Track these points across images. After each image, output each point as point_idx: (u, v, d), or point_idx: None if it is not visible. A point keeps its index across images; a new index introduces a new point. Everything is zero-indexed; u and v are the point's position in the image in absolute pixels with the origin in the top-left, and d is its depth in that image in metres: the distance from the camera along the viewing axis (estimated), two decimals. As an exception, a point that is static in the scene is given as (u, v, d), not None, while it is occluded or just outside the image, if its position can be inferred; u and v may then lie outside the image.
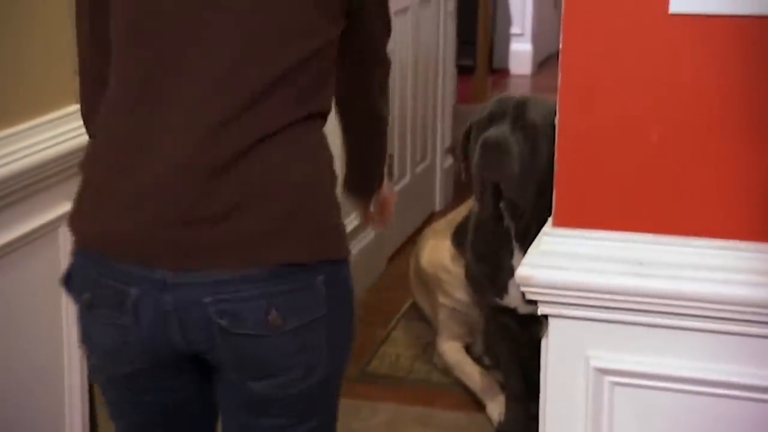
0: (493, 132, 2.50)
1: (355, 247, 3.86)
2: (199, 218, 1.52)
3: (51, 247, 2.14)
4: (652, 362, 1.52)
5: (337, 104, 1.80)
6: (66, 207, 2.15)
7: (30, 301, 2.11)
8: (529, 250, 1.59)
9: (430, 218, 4.68)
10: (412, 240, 4.40)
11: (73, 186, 2.17)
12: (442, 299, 3.40)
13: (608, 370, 1.54)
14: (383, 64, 1.81)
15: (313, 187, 1.57)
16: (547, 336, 1.58)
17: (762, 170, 1.48)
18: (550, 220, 1.59)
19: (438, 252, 3.40)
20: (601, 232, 1.54)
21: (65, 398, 2.23)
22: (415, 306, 3.68)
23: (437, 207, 4.81)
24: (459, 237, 3.20)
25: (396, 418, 3.02)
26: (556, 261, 1.54)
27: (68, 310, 2.15)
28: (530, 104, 2.55)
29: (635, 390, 1.53)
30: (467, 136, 2.66)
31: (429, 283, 3.46)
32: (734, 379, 1.48)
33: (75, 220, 1.65)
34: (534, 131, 2.50)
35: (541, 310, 1.56)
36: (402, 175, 4.38)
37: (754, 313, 1.45)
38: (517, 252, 2.66)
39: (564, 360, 1.56)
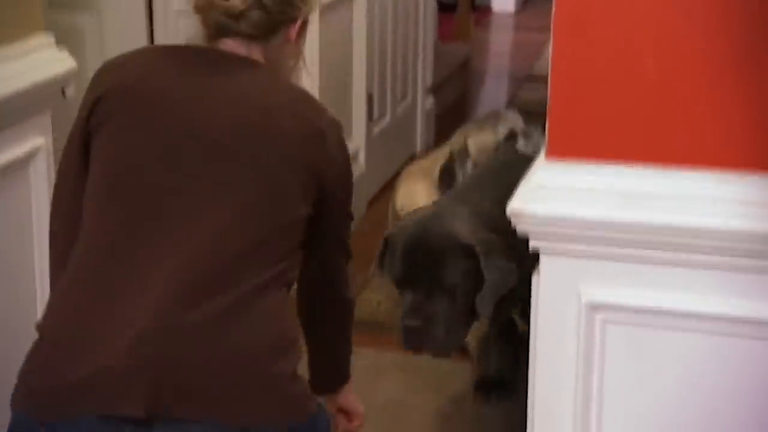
0: (410, 312, 2.31)
1: (334, 190, 3.85)
2: (173, 368, 1.56)
3: (22, 184, 2.13)
4: (646, 297, 1.53)
5: (302, 292, 1.90)
6: (37, 141, 2.16)
7: (0, 239, 2.10)
8: (521, 184, 1.60)
9: (411, 160, 4.68)
10: (393, 183, 4.40)
11: (45, 120, 2.18)
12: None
13: (600, 305, 1.56)
14: (346, 252, 1.91)
15: (279, 354, 1.62)
16: (538, 272, 1.59)
17: (759, 100, 1.48)
18: (542, 152, 1.60)
19: (412, 197, 3.40)
20: (595, 163, 1.55)
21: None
22: (396, 250, 3.69)
23: (418, 148, 4.81)
24: (448, 176, 3.20)
25: (377, 364, 3.05)
26: (548, 194, 1.55)
27: (40, 245, 2.15)
28: (440, 260, 2.32)
29: (627, 326, 1.55)
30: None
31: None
32: (728, 312, 1.50)
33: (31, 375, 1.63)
34: (452, 288, 2.31)
35: (533, 245, 1.57)
36: (382, 115, 4.37)
37: (749, 245, 1.46)
38: None
39: (555, 296, 1.58)
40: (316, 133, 1.71)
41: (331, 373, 2.00)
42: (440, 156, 3.36)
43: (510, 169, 2.51)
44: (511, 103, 5.66)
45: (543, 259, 1.57)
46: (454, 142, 3.28)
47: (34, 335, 2.23)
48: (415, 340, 2.32)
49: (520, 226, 1.56)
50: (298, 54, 1.85)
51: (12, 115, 2.08)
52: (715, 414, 1.54)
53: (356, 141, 4.09)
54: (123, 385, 1.55)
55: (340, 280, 1.91)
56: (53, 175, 2.18)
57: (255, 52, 1.76)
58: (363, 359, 3.03)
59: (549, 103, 1.55)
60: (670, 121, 1.52)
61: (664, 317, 1.53)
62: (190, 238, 1.61)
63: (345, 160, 1.82)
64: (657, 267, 1.53)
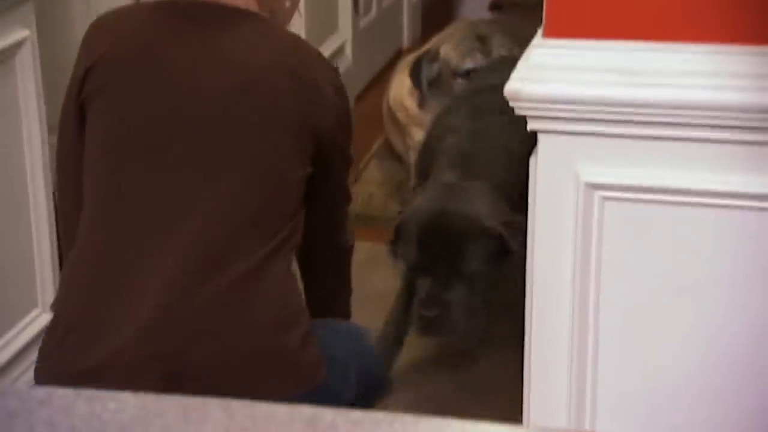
0: (427, 301, 2.24)
1: (322, 85, 3.84)
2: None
3: (8, 75, 2.12)
4: (645, 175, 1.55)
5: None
6: (22, 33, 2.14)
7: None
8: (518, 64, 1.60)
9: (398, 55, 4.66)
10: (380, 78, 4.38)
11: (28, 11, 2.16)
12: (408, 140, 3.42)
13: (599, 184, 1.57)
14: (346, 197, 1.93)
15: (283, 327, 1.65)
16: (536, 153, 1.60)
17: (760, -26, 1.48)
18: (539, 31, 1.60)
19: (401, 88, 3.38)
20: (593, 41, 1.55)
21: (32, 225, 2.25)
22: (387, 144, 3.70)
23: (405, 43, 4.78)
24: (416, 72, 3.18)
25: (371, 257, 3.08)
26: (545, 73, 1.55)
27: (29, 137, 2.15)
28: (460, 246, 2.24)
29: (626, 204, 1.57)
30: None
31: (397, 122, 3.47)
32: (727, 187, 1.52)
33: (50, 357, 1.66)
34: (471, 277, 2.25)
35: (530, 125, 1.58)
36: (368, 10, 4.33)
37: (748, 119, 1.47)
38: None
39: (553, 177, 1.59)
40: (311, 87, 1.72)
41: (331, 316, 2.00)
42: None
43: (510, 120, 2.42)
44: (499, -5, 5.61)
45: (541, 139, 1.58)
46: (434, 42, 3.25)
47: (26, 232, 2.26)
48: (433, 330, 2.24)
49: (518, 108, 1.57)
50: None
51: (-6, 5, 2.06)
52: (713, 286, 1.57)
53: (343, 35, 4.06)
54: (136, 369, 1.59)
55: (339, 227, 1.93)
56: (39, 68, 2.17)
57: None
58: (357, 252, 3.05)
59: (547, -21, 1.55)
60: (668, -3, 1.52)
61: (662, 194, 1.55)
62: (188, 218, 1.63)
63: (343, 107, 1.81)
64: (655, 144, 1.54)
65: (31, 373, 2.27)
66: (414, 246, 2.20)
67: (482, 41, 3.06)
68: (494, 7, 5.48)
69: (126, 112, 1.66)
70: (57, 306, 1.70)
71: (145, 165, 1.64)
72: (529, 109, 1.56)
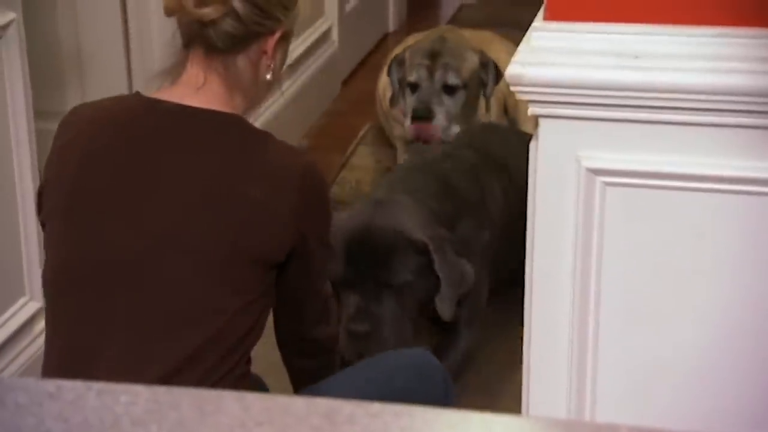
0: (356, 315, 2.20)
1: (307, 71, 3.82)
2: None
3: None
4: (647, 160, 1.54)
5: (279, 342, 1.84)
6: (7, 16, 2.11)
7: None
8: (519, 47, 1.58)
9: (384, 39, 4.64)
10: (365, 63, 4.36)
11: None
12: (387, 128, 3.41)
13: (601, 170, 1.56)
14: (323, 308, 1.81)
15: None
16: (536, 138, 1.59)
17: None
18: (540, 14, 1.58)
19: (386, 78, 3.37)
20: (595, 24, 1.53)
21: (18, 212, 2.24)
22: (373, 130, 3.68)
23: (390, 27, 4.75)
24: (390, 71, 3.18)
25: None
26: (547, 57, 1.53)
27: (15, 120, 2.13)
28: (387, 258, 2.23)
29: (628, 189, 1.56)
30: None
31: (382, 109, 3.46)
32: (729, 172, 1.51)
33: None
34: (401, 288, 2.24)
35: (531, 110, 1.57)
36: (353, -7, 4.30)
37: (750, 103, 1.46)
38: None
39: (555, 162, 1.58)
40: (285, 198, 1.65)
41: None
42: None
43: (449, 160, 2.47)
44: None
45: (542, 124, 1.57)
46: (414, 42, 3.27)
47: (12, 218, 2.23)
48: (361, 347, 2.18)
49: (520, 92, 1.55)
50: (274, 69, 1.74)
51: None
52: (714, 272, 1.56)
53: (329, 19, 4.03)
54: None
55: (317, 335, 1.84)
56: (25, 51, 2.14)
57: (225, 69, 1.69)
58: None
59: (548, -39, 1.53)
60: (672, -21, 1.50)
61: (664, 179, 1.54)
62: (123, 344, 1.61)
63: (318, 213, 1.72)
64: (657, 129, 1.53)
65: (19, 362, 2.26)
66: (341, 259, 2.18)
67: (432, 58, 3.13)
68: (479, -9, 5.45)
69: (70, 253, 1.64)
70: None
71: (89, 300, 1.63)
72: (530, 93, 1.55)
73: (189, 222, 1.61)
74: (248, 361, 1.71)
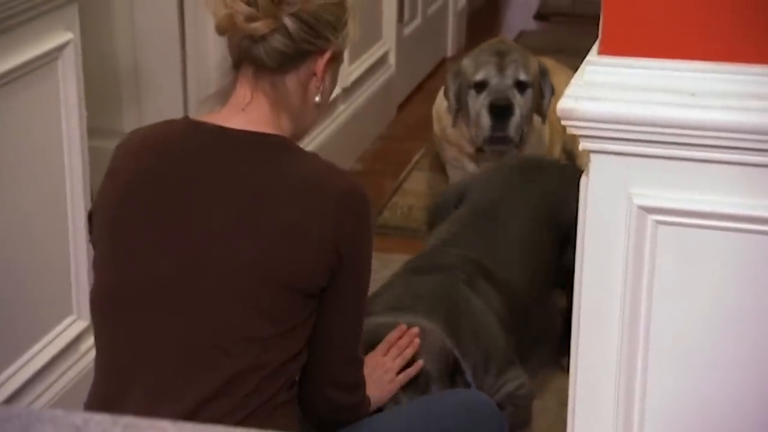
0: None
1: (364, 95, 3.83)
2: None
3: (50, 77, 2.11)
4: (701, 199, 1.51)
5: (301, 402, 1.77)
6: (65, 36, 2.14)
7: (30, 133, 2.10)
8: (572, 81, 1.57)
9: (442, 63, 4.64)
10: (422, 87, 4.36)
11: (72, 13, 2.15)
12: (441, 153, 3.39)
13: (653, 208, 1.53)
14: (351, 364, 1.75)
15: None
16: (587, 174, 1.57)
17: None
18: (595, 48, 1.56)
19: (442, 100, 3.35)
20: (651, 60, 1.51)
21: (68, 230, 2.25)
22: (428, 155, 3.67)
23: (449, 52, 4.76)
24: (447, 91, 3.14)
25: (409, 270, 3.04)
26: (600, 92, 1.51)
27: (69, 139, 2.15)
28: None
29: (681, 229, 1.53)
30: None
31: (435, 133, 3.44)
32: (788, 216, 1.47)
33: None
34: (426, 381, 2.15)
35: (583, 145, 1.55)
36: (413, 17, 4.31)
37: (812, 147, 1.43)
38: None
39: (605, 199, 1.55)
40: (320, 218, 1.61)
41: None
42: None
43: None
44: (545, 4, 5.57)
45: (594, 159, 1.55)
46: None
47: (63, 236, 2.25)
48: None
49: (571, 127, 1.53)
50: (323, 91, 1.72)
51: (37, 7, 2.06)
52: (764, 314, 1.52)
53: (387, 43, 4.04)
54: None
55: (342, 397, 1.77)
56: (81, 71, 2.16)
57: (273, 89, 1.68)
58: (395, 265, 3.04)
59: (604, -5, 1.51)
60: (731, 15, 1.48)
61: (718, 220, 1.51)
62: (162, 368, 1.61)
63: (358, 235, 1.67)
64: (712, 168, 1.50)
65: (67, 378, 2.27)
66: None
67: (499, 56, 3.04)
68: (539, 17, 5.45)
69: (118, 264, 1.65)
70: None
71: (135, 320, 1.63)
72: (583, 128, 1.53)
73: (223, 246, 1.61)
74: (291, 387, 1.69)
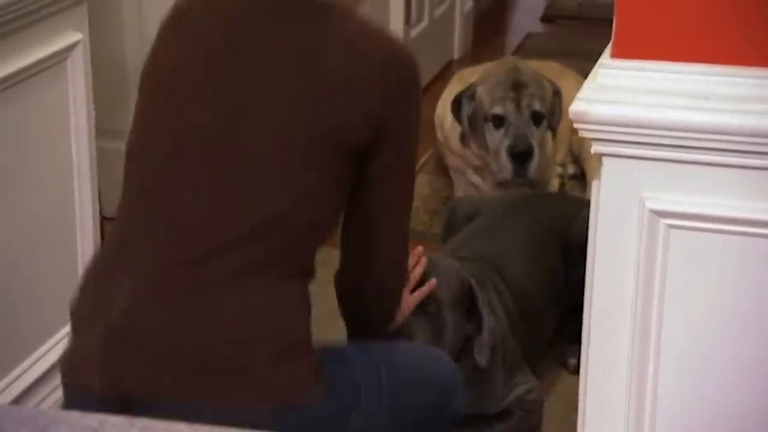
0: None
1: (370, 96, 3.82)
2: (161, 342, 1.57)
3: (59, 77, 2.12)
4: (714, 203, 1.50)
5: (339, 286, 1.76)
6: (74, 36, 2.14)
7: (39, 133, 2.10)
8: (585, 84, 1.56)
9: (449, 66, 4.63)
10: (429, 89, 4.35)
11: (81, 14, 2.16)
12: (444, 159, 3.38)
13: (665, 212, 1.53)
14: (400, 245, 1.72)
15: (252, 340, 1.57)
16: (599, 177, 1.56)
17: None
18: (607, 51, 1.56)
19: (445, 106, 3.34)
20: (664, 63, 1.51)
21: (77, 227, 2.25)
22: (434, 157, 3.67)
23: (456, 54, 4.75)
24: (457, 108, 3.15)
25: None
26: (613, 95, 1.51)
27: (77, 140, 2.15)
28: (428, 272, 2.15)
29: (693, 233, 1.53)
30: None
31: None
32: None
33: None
34: (437, 307, 2.17)
35: (595, 148, 1.54)
36: (419, 19, 4.31)
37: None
38: None
39: (617, 202, 1.55)
40: (368, 73, 1.60)
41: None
42: (491, 69, 3.24)
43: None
44: (551, 6, 5.57)
45: (606, 163, 1.54)
46: (480, 75, 3.20)
47: (71, 234, 2.25)
48: None
49: (584, 129, 1.53)
50: None
51: (46, 8, 2.06)
52: (780, 325, 1.52)
53: (393, 44, 4.04)
54: (92, 368, 1.59)
55: (385, 275, 1.75)
56: (90, 71, 2.16)
57: None
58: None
59: (617, -1, 1.51)
60: (746, 18, 1.47)
61: (731, 224, 1.51)
62: (184, 210, 1.59)
63: (404, 99, 1.64)
64: (725, 172, 1.50)
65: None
66: None
67: (516, 89, 3.05)
68: (546, 19, 5.44)
69: (158, 109, 1.65)
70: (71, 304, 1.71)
71: (173, 164, 1.62)
72: (595, 131, 1.52)
73: (264, 95, 1.59)
74: (309, 273, 1.65)
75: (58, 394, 2.23)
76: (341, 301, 1.79)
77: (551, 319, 2.63)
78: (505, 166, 3.03)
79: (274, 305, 1.60)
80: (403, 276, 1.81)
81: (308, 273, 1.66)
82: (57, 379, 2.23)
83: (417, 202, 3.44)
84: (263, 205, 1.58)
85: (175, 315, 1.57)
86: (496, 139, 3.05)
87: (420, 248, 2.09)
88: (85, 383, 1.61)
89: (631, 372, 1.59)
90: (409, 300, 2.00)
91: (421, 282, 2.08)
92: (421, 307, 2.12)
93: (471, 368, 2.29)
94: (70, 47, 2.13)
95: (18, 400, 2.14)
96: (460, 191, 3.32)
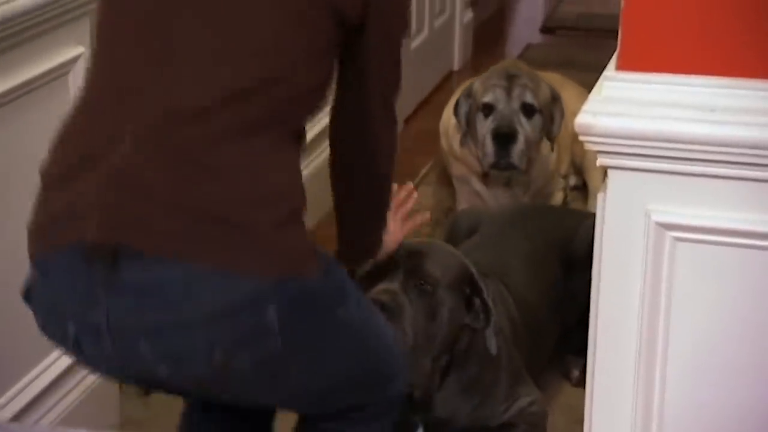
0: (381, 291, 2.12)
1: (371, 107, 3.82)
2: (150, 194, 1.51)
3: (61, 91, 2.12)
4: (720, 216, 1.51)
5: (332, 154, 1.76)
6: (76, 50, 2.14)
7: (41, 148, 2.09)
8: (590, 97, 1.56)
9: (449, 77, 4.64)
10: (429, 100, 4.36)
11: (83, 28, 2.16)
12: (448, 168, 3.38)
13: (671, 224, 1.53)
14: (387, 105, 1.71)
15: (259, 199, 1.54)
16: (605, 190, 1.56)
17: None
18: (612, 63, 1.56)
19: (449, 116, 3.34)
20: (669, 75, 1.51)
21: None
22: (435, 169, 3.67)
23: (456, 65, 4.75)
24: (457, 110, 3.15)
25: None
26: (619, 107, 1.51)
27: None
28: (428, 253, 2.20)
29: (699, 246, 1.53)
30: None
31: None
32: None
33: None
34: (433, 287, 2.17)
35: (601, 161, 1.55)
36: (419, 30, 4.31)
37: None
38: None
39: (623, 215, 1.55)
40: None
41: (359, 248, 1.87)
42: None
43: None
44: (551, 17, 5.58)
45: (611, 175, 1.54)
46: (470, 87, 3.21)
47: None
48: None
49: (589, 142, 1.53)
50: None
51: (48, 21, 2.06)
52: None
53: (394, 56, 4.04)
54: (84, 217, 1.52)
55: (377, 143, 1.73)
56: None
57: None
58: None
59: (622, 10, 1.51)
60: (748, 33, 1.48)
61: (738, 237, 1.51)
62: (184, 61, 1.54)
63: None
64: (731, 184, 1.50)
65: (68, 400, 2.26)
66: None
67: (509, 79, 3.05)
68: (546, 30, 5.45)
69: None
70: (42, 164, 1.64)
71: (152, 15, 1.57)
72: (601, 144, 1.52)
73: None
74: (299, 138, 1.63)
75: (57, 411, 2.23)
76: (336, 161, 1.76)
77: (553, 331, 2.63)
78: (488, 149, 3.03)
79: (276, 168, 1.57)
80: (392, 161, 1.77)
81: (302, 140, 1.64)
82: (55, 397, 2.23)
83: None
84: (260, 62, 1.55)
85: (177, 169, 1.52)
86: (484, 128, 3.05)
87: (410, 184, 2.05)
88: (71, 238, 1.54)
89: (638, 383, 1.59)
90: (405, 228, 2.00)
91: (415, 257, 2.10)
92: (417, 285, 2.13)
93: (470, 379, 2.29)
94: (72, 61, 2.13)
95: (16, 417, 2.14)
96: (463, 202, 3.32)
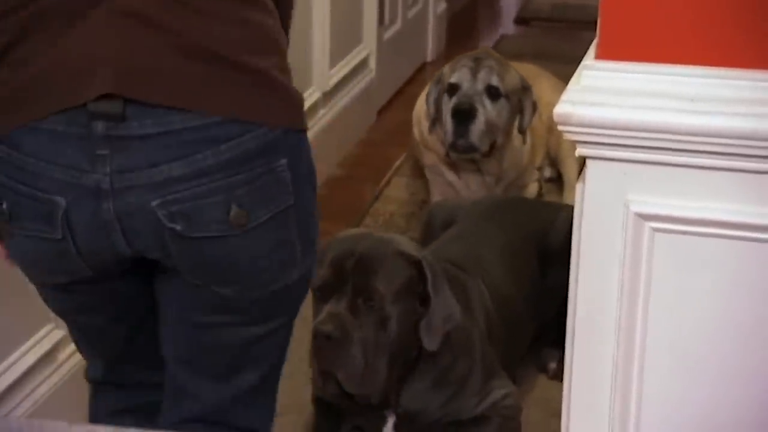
0: (326, 319, 2.09)
1: (343, 99, 3.82)
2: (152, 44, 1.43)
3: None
4: (699, 207, 1.51)
5: None
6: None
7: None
8: (568, 86, 1.56)
9: (422, 68, 4.64)
10: (402, 92, 4.36)
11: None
12: (421, 158, 3.39)
13: (650, 215, 1.53)
14: None
15: (262, 47, 1.49)
16: (583, 180, 1.56)
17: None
18: (591, 52, 1.56)
19: (422, 105, 3.34)
20: (649, 65, 1.51)
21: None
22: (409, 161, 3.67)
23: (429, 57, 4.76)
24: (428, 97, 3.16)
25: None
26: (597, 97, 1.51)
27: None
28: (376, 262, 2.16)
29: (678, 236, 1.53)
30: None
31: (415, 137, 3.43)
32: (788, 224, 1.48)
33: None
34: (380, 303, 2.13)
35: (579, 151, 1.54)
36: (392, 21, 4.31)
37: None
38: None
39: (602, 205, 1.55)
40: None
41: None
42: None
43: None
44: (525, 8, 5.59)
45: (590, 165, 1.54)
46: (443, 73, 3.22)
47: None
48: (327, 356, 2.08)
49: (567, 132, 1.53)
50: None
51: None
52: (765, 325, 1.52)
53: (367, 47, 4.04)
54: (85, 72, 1.43)
55: None
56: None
57: None
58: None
59: (601, -1, 1.51)
60: (732, 20, 1.48)
61: (716, 227, 1.51)
62: None
63: None
64: (711, 174, 1.50)
65: (42, 390, 2.25)
66: (325, 265, 2.12)
67: (476, 61, 3.08)
68: (520, 21, 5.47)
69: None
70: None
71: None
72: (579, 134, 1.52)
73: None
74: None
75: (31, 401, 2.21)
76: None
77: (529, 325, 2.64)
78: (447, 127, 3.03)
79: (269, 23, 1.53)
80: None
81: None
82: (28, 387, 2.22)
83: (393, 206, 3.45)
84: None
85: (179, 13, 1.44)
86: (447, 108, 3.05)
87: None
88: (60, 102, 1.42)
89: (616, 376, 1.59)
90: None
91: (363, 271, 2.09)
92: (365, 302, 2.11)
93: (441, 372, 2.29)
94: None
95: (11, 388, 2.13)
96: (436, 193, 3.32)
